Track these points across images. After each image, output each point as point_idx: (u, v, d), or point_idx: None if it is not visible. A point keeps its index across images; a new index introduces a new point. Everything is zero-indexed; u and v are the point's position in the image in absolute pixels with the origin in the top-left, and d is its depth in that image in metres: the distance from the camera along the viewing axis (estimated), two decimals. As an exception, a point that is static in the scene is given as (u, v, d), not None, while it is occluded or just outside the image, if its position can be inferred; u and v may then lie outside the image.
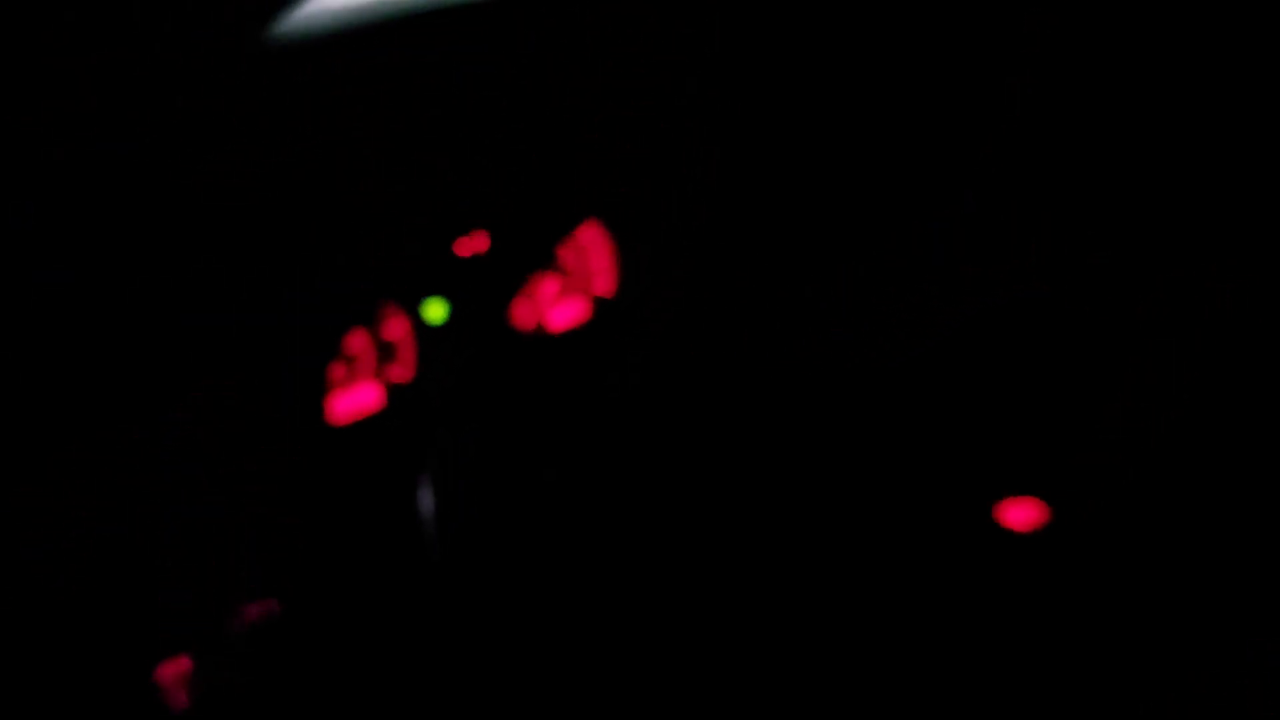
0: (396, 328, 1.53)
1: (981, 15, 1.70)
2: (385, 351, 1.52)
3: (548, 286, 1.51)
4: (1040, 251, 1.66)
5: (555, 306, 1.54)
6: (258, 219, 1.94)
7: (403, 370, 1.51)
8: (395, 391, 1.50)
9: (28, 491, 1.83)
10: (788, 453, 1.75)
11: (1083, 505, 1.62)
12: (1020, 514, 1.63)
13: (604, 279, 1.53)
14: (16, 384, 1.85)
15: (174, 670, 1.67)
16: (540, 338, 1.55)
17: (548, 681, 1.76)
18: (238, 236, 1.93)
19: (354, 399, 1.49)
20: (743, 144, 1.84)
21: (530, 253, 1.52)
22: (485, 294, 1.51)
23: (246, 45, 1.93)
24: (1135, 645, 1.65)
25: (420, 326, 1.50)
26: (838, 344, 1.73)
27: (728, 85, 1.87)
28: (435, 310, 1.45)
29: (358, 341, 1.50)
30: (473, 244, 1.49)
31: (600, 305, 1.52)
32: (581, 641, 1.77)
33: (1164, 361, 1.63)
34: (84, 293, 1.88)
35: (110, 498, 1.84)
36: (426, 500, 1.43)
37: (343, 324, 1.94)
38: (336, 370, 1.48)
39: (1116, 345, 1.64)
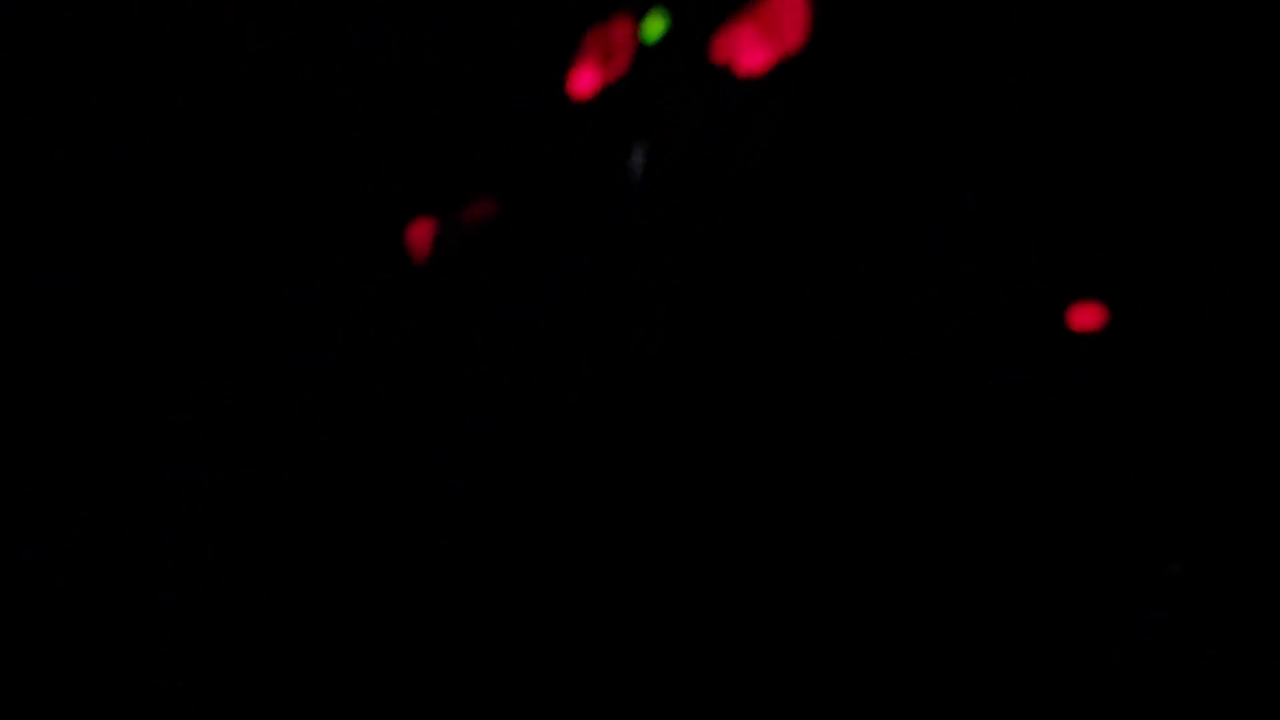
0: (621, 33, 1.75)
1: (981, 16, 1.70)
2: (609, 50, 1.75)
3: (746, 30, 1.66)
4: (1040, 251, 1.66)
5: (747, 50, 1.68)
6: (257, 219, 1.94)
7: (618, 68, 1.73)
8: (609, 84, 1.74)
9: (28, 491, 1.83)
10: (788, 451, 1.75)
11: (1083, 506, 1.62)
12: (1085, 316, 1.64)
13: (793, 36, 1.64)
14: (16, 384, 1.85)
15: (421, 230, 1.81)
16: (728, 75, 1.70)
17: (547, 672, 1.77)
18: (238, 237, 1.93)
19: (580, 80, 1.77)
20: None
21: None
22: (694, 23, 1.69)
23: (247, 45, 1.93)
24: (1135, 645, 1.65)
25: (639, 39, 1.73)
26: (838, 344, 1.73)
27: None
28: (654, 27, 1.68)
29: (592, 37, 1.76)
30: None
31: (784, 62, 1.65)
32: (578, 641, 1.77)
33: (1164, 361, 1.63)
34: (84, 293, 1.88)
35: (110, 498, 1.84)
36: (636, 168, 1.68)
37: (343, 324, 1.94)
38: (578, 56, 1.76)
39: (1117, 345, 1.64)
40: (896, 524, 1.69)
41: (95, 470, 1.84)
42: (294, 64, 1.93)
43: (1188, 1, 1.63)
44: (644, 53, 1.73)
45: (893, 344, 1.70)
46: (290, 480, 1.88)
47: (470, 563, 1.84)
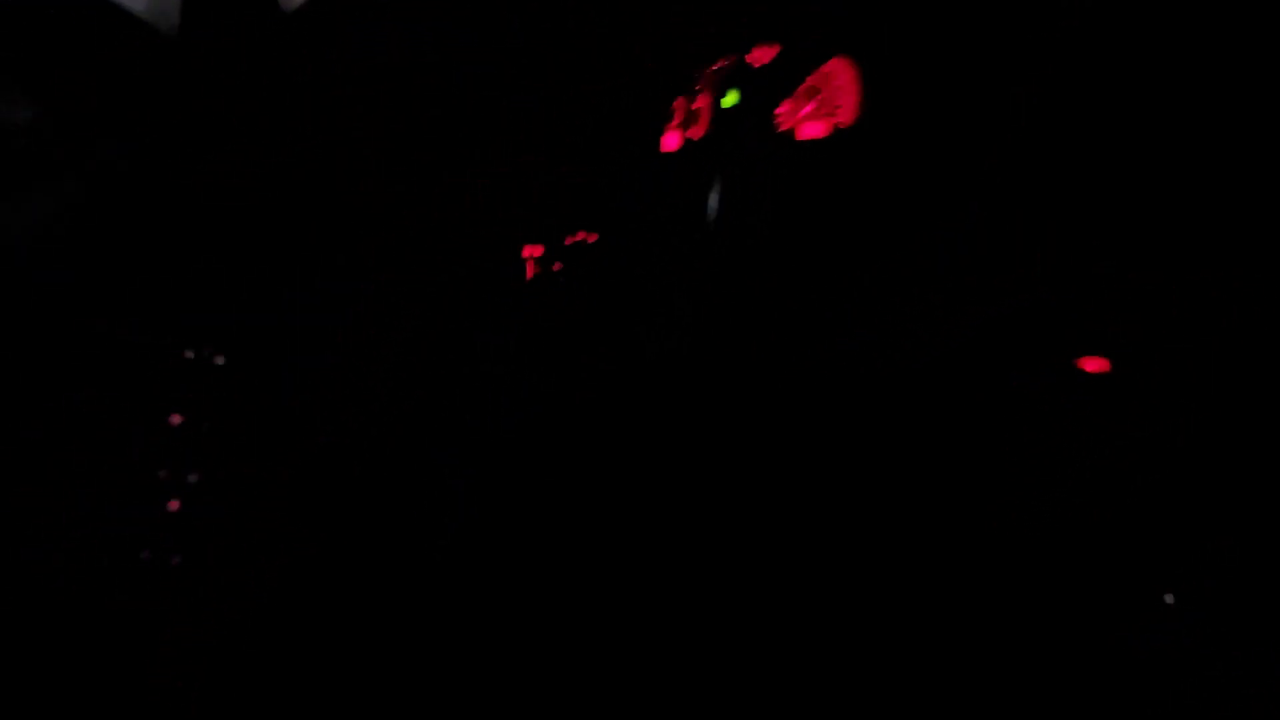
0: (702, 102, 1.96)
1: (986, 24, 1.71)
2: (691, 116, 1.97)
3: (804, 103, 1.84)
4: (1045, 261, 1.66)
5: (805, 121, 1.84)
6: (257, 219, 1.94)
7: (698, 131, 1.95)
8: (690, 142, 1.96)
9: (28, 491, 1.83)
10: (794, 458, 1.75)
11: (1090, 511, 1.63)
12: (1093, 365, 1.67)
13: (846, 113, 1.74)
14: (16, 384, 1.85)
15: (531, 251, 2.00)
16: (788, 140, 1.86)
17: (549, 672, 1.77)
18: (237, 237, 1.93)
19: (668, 139, 2.00)
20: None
21: (800, 72, 1.86)
22: (762, 94, 1.89)
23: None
24: (1134, 646, 1.66)
25: (718, 105, 1.94)
26: (842, 353, 1.74)
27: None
28: (730, 98, 1.93)
29: (678, 104, 2.00)
30: (762, 56, 1.93)
31: (838, 132, 1.81)
32: (579, 641, 1.78)
33: (1171, 370, 1.64)
34: (84, 293, 1.87)
35: (110, 498, 1.84)
36: (713, 204, 1.88)
37: (342, 324, 1.94)
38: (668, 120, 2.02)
39: (1122, 355, 1.65)
40: (910, 527, 1.69)
41: (95, 470, 1.84)
42: (294, 63, 1.93)
43: (1192, 8, 1.63)
44: (721, 117, 1.94)
45: (897, 354, 1.71)
46: (290, 480, 1.89)
47: (470, 563, 1.84)
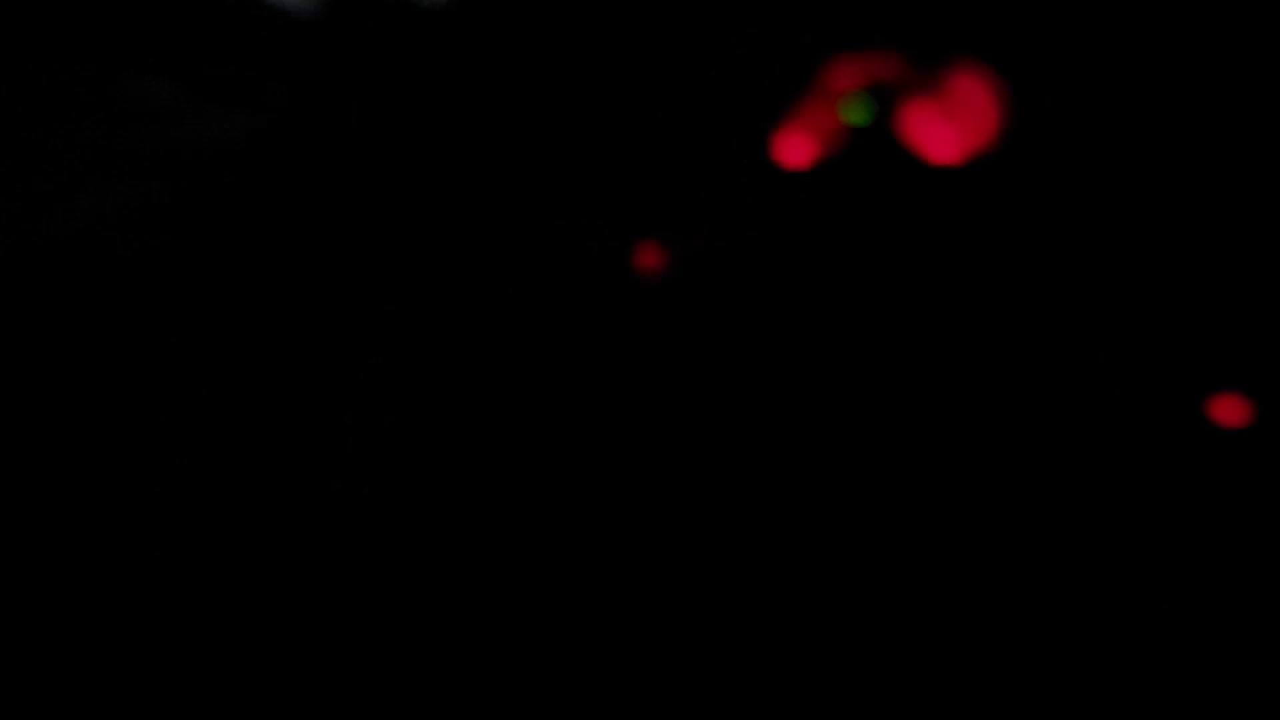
0: (829, 114, 1.80)
1: (986, 20, 1.71)
2: (818, 128, 1.81)
3: (937, 120, 1.71)
4: (1044, 257, 1.66)
5: (936, 141, 1.72)
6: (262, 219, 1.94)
7: (818, 147, 1.80)
8: (809, 157, 1.81)
9: (28, 491, 1.82)
10: (793, 454, 1.76)
11: (1082, 512, 1.64)
12: (1229, 410, 1.64)
13: (983, 134, 1.67)
14: (16, 383, 1.85)
15: (649, 250, 1.90)
16: (917, 161, 1.75)
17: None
18: (240, 236, 1.93)
19: (788, 150, 1.83)
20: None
21: (933, 82, 1.71)
22: (888, 107, 1.75)
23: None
24: (1133, 645, 1.66)
25: (839, 117, 1.80)
26: (841, 348, 1.74)
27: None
28: (856, 112, 1.76)
29: (798, 112, 1.82)
30: (889, 66, 1.75)
31: (972, 155, 1.69)
32: (579, 640, 1.78)
33: (1169, 366, 1.65)
34: (88, 292, 1.87)
35: (112, 497, 1.83)
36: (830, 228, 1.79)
37: (346, 325, 1.94)
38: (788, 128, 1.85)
39: (1120, 352, 1.66)
40: (895, 526, 1.70)
41: (96, 469, 1.84)
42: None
43: (1191, 13, 1.63)
44: (850, 133, 1.79)
45: (895, 347, 1.71)
46: (290, 480, 1.88)
47: (469, 561, 1.84)
